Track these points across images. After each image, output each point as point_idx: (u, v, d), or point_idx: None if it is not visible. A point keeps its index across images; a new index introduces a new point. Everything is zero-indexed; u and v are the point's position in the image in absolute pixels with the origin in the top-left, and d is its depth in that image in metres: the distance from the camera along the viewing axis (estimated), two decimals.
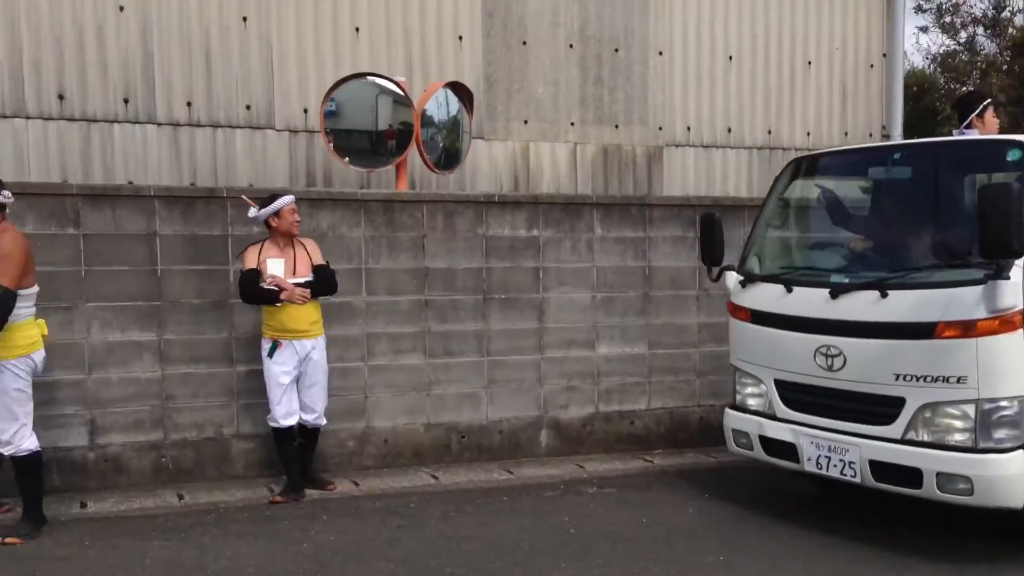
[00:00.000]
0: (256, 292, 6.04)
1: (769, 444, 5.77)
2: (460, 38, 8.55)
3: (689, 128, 9.39)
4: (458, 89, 7.88)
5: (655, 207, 7.75)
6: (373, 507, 6.11)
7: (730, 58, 9.49)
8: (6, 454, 5.35)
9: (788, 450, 5.63)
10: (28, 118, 7.30)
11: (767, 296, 5.83)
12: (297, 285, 6.07)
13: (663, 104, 9.29)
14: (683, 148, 9.39)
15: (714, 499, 6.29)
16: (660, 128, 9.29)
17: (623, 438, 7.67)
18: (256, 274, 6.03)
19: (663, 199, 8.01)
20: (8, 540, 5.29)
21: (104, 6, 7.45)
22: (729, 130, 9.52)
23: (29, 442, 5.37)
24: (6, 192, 5.31)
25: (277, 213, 6.09)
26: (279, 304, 6.04)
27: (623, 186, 9.15)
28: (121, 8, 7.48)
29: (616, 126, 9.13)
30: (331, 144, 7.43)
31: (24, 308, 5.29)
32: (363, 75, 7.63)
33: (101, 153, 7.48)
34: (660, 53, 9.25)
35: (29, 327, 5.34)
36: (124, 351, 6.35)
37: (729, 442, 6.11)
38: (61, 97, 7.38)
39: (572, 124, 8.98)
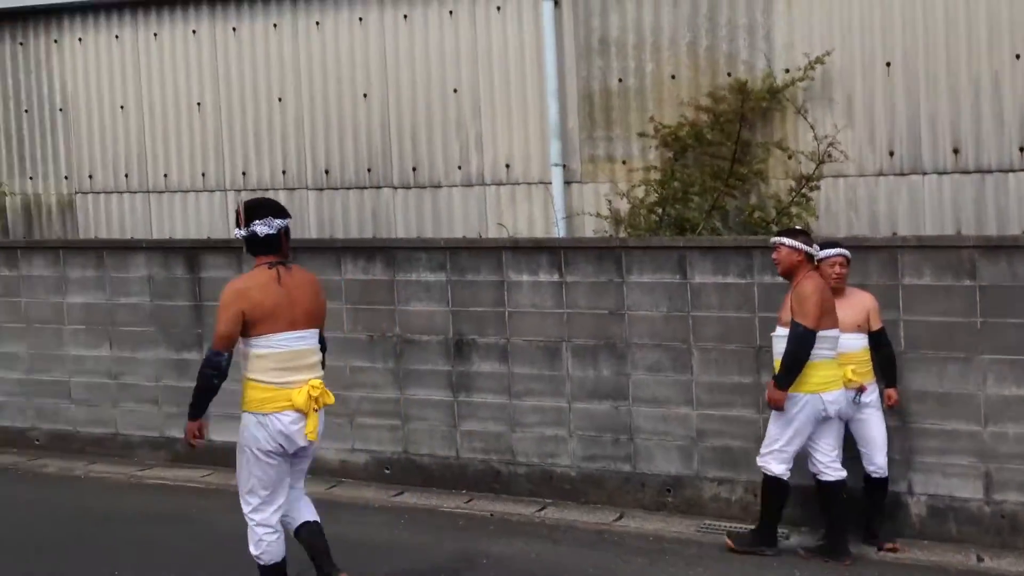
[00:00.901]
0: None
1: None
2: None
3: None
4: None
5: None
6: None
7: None
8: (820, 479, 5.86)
9: None
10: (924, 174, 7.63)
11: None
12: None
13: None
14: None
15: None
16: None
17: None
18: None
19: None
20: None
21: (1000, 54, 7.39)
22: None
23: (777, 468, 5.77)
24: (816, 246, 5.82)
25: None
26: None
27: None
28: (1017, 56, 7.33)
29: None
30: None
31: (821, 349, 5.68)
32: None
33: (995, 203, 7.42)
34: None
35: (824, 367, 5.73)
36: (1021, 406, 6.15)
37: None
38: (956, 151, 7.54)
39: None
